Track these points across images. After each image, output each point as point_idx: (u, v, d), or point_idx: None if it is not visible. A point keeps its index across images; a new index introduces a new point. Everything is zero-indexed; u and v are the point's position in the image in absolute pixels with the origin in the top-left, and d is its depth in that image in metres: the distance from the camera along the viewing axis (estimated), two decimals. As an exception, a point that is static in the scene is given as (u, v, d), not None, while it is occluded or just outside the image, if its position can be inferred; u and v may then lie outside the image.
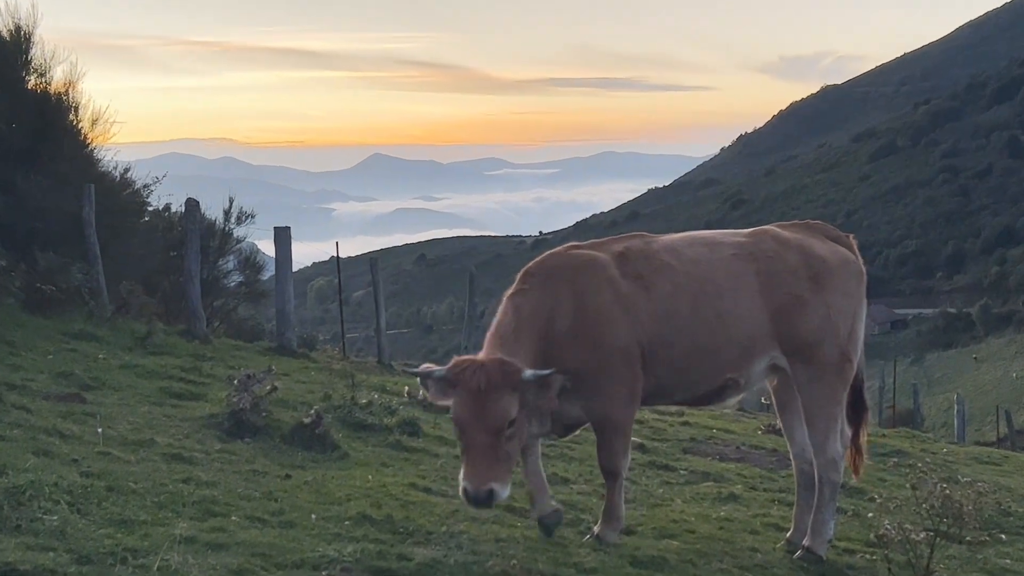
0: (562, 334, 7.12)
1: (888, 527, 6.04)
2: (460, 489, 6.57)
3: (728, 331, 7.61)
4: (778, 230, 8.26)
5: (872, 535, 6.28)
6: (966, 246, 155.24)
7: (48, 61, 17.44)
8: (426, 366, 6.98)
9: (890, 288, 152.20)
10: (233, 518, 6.67)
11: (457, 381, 6.66)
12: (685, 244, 7.86)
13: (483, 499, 6.47)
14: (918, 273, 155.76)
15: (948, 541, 7.85)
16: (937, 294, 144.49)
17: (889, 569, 6.28)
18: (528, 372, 6.71)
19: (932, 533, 6.12)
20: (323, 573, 5.80)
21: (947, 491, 5.93)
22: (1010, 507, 10.72)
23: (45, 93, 17.29)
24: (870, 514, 7.20)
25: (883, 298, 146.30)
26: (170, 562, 5.60)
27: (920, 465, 6.51)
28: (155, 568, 5.51)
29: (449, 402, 6.75)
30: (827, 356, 7.85)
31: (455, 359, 6.93)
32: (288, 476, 8.12)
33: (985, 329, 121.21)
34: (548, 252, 7.71)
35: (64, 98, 17.46)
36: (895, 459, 11.97)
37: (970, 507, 5.91)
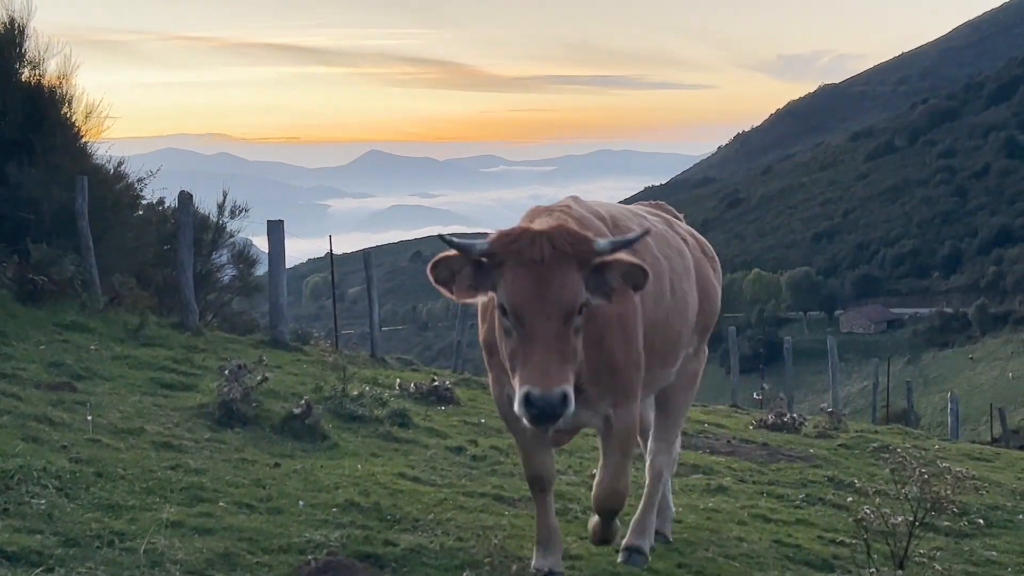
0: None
1: (868, 511, 6.09)
2: (518, 398, 4.97)
3: (690, 318, 6.87)
4: (667, 212, 7.64)
5: (851, 519, 6.31)
6: (963, 246, 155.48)
7: (42, 54, 17.50)
8: (457, 239, 5.37)
9: (887, 287, 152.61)
10: (221, 504, 6.69)
11: (510, 253, 5.17)
12: (631, 214, 6.76)
13: (555, 405, 4.90)
14: (915, 272, 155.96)
15: (930, 532, 7.90)
16: (934, 294, 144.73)
17: (869, 554, 6.33)
18: (602, 241, 5.31)
19: (911, 518, 6.16)
20: (309, 557, 5.82)
21: (926, 476, 5.97)
22: (998, 501, 10.82)
23: (39, 85, 17.34)
24: (849, 499, 7.25)
25: (880, 297, 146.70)
26: (156, 545, 5.63)
27: (899, 450, 6.54)
28: (141, 551, 5.53)
29: (475, 297, 5.42)
30: (705, 349, 7.60)
31: (497, 232, 5.38)
32: (277, 464, 8.14)
33: (981, 329, 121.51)
34: (541, 212, 6.02)
35: (57, 90, 17.51)
36: (874, 445, 12.03)
37: (948, 492, 5.95)
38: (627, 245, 5.34)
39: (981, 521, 8.20)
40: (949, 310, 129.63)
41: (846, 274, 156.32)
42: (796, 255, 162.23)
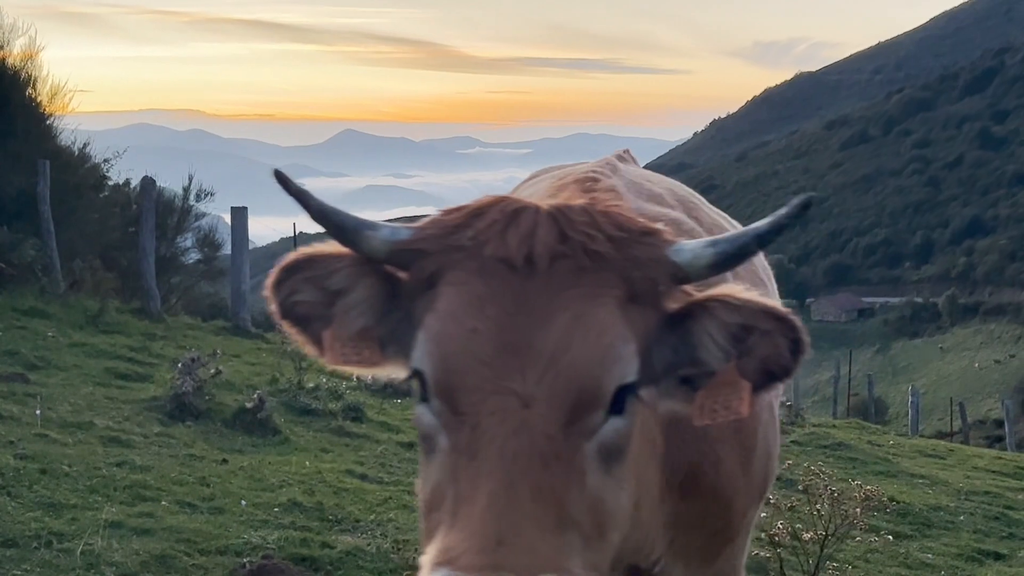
0: None
1: (780, 527, 6.23)
2: None
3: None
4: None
5: (763, 534, 6.43)
6: (934, 236, 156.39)
7: (7, 35, 17.40)
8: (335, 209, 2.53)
9: (858, 276, 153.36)
10: (163, 503, 6.75)
11: (453, 250, 2.27)
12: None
13: None
14: (886, 262, 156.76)
15: (872, 535, 8.03)
16: (905, 283, 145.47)
17: (781, 568, 6.46)
18: (688, 242, 2.28)
19: (823, 533, 6.30)
20: (244, 560, 5.89)
21: (836, 495, 6.11)
22: (942, 501, 10.97)
23: (2, 67, 17.22)
24: (763, 514, 7.36)
25: (851, 286, 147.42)
26: (94, 547, 5.69)
27: (813, 468, 6.68)
28: (78, 552, 5.60)
29: (376, 364, 2.45)
30: None
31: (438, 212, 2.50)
32: (225, 461, 8.20)
33: (951, 319, 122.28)
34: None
35: (22, 72, 17.39)
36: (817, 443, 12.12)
37: (857, 510, 6.09)
38: (745, 254, 2.30)
39: (908, 530, 8.33)
40: (920, 300, 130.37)
41: (818, 262, 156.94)
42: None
